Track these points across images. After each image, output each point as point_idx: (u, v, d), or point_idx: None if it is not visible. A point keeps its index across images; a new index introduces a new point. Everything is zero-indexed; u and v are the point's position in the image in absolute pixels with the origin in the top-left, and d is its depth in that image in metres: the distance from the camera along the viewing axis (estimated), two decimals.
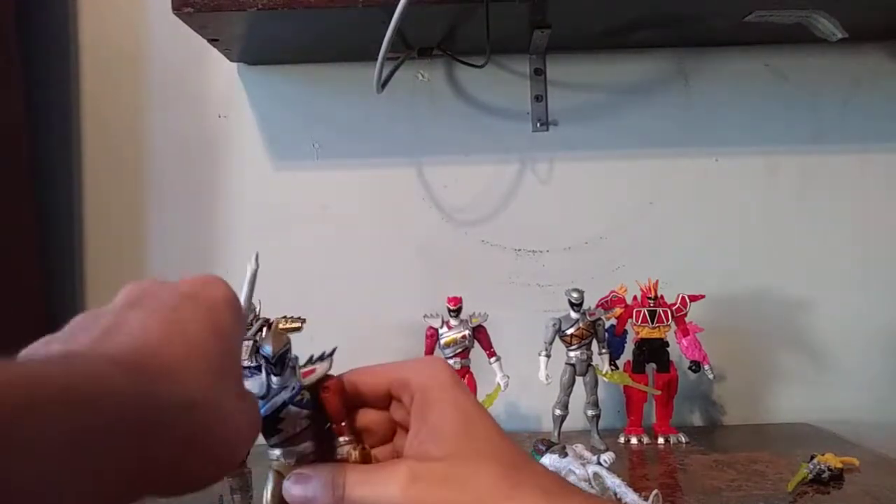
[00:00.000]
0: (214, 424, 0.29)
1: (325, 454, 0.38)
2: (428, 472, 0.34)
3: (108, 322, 0.30)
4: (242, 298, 0.37)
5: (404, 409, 0.38)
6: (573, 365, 0.88)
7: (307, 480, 0.36)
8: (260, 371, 0.36)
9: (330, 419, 0.38)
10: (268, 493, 0.37)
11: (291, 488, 0.36)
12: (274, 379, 0.36)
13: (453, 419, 0.35)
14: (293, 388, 0.37)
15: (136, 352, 0.28)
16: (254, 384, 0.36)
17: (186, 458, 0.28)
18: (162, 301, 0.32)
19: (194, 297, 0.33)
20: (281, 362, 0.36)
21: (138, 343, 0.29)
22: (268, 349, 0.36)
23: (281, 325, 0.84)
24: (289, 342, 0.37)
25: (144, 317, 0.30)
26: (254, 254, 0.39)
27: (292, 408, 0.36)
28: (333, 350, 0.38)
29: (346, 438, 0.37)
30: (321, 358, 0.38)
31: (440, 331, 0.87)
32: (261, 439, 0.36)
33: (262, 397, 0.36)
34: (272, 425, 0.36)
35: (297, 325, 0.85)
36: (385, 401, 0.39)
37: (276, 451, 0.37)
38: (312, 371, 0.37)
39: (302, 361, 0.38)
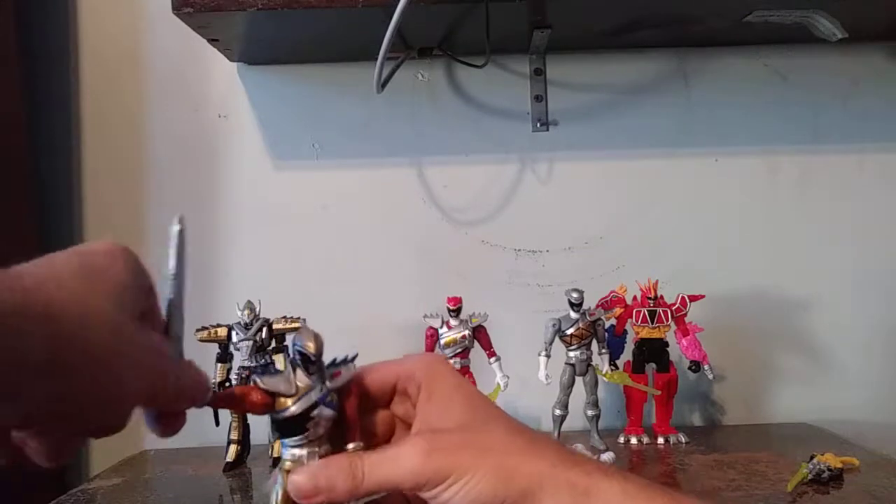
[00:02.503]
0: (82, 350, 0.29)
1: None
2: (444, 440, 0.35)
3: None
4: (171, 262, 0.37)
5: (408, 403, 0.39)
6: (573, 365, 0.88)
7: (322, 470, 0.35)
8: (276, 369, 0.36)
9: (346, 424, 0.37)
10: (277, 496, 0.36)
11: (303, 481, 0.35)
12: (303, 377, 0.36)
13: (460, 399, 0.37)
14: (321, 389, 0.36)
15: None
16: (279, 382, 0.35)
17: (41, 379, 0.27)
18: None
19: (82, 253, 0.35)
20: (320, 361, 0.36)
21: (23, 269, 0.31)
22: (311, 347, 0.36)
23: (280, 325, 0.85)
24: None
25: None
26: (177, 216, 0.38)
27: (324, 409, 0.36)
28: (356, 355, 0.38)
29: (359, 444, 0.37)
30: (344, 361, 0.37)
31: (440, 331, 0.88)
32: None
33: (291, 396, 0.35)
34: (300, 423, 0.36)
35: (297, 325, 0.85)
36: (388, 397, 0.40)
37: (299, 452, 0.36)
38: (339, 374, 0.37)
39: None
